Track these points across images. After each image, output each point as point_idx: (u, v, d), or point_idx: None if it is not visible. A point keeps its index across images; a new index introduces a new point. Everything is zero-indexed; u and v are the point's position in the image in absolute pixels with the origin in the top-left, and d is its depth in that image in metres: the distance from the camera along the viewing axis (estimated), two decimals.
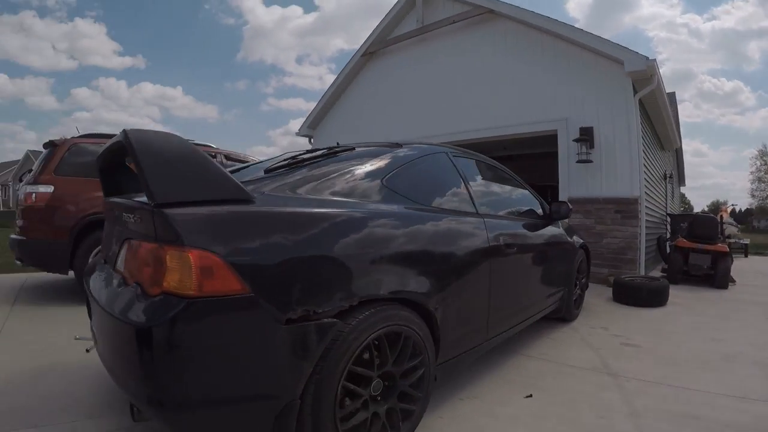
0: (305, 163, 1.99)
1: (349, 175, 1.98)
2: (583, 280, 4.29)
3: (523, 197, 3.46)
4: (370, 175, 2.05)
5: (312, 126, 10.79)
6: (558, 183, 6.75)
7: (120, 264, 1.74)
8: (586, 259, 4.41)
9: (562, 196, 6.61)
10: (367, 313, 1.63)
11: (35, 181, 4.32)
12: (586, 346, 3.29)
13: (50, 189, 4.29)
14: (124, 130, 1.39)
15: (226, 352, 1.31)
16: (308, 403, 1.49)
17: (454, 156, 2.64)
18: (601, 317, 4.24)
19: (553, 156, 6.82)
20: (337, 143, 2.63)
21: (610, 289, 5.24)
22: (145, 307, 1.33)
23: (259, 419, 1.41)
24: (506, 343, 3.07)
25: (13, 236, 4.37)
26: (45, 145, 4.69)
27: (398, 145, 2.39)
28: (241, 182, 1.53)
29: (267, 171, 1.91)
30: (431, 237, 2.04)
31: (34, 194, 4.26)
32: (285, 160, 2.14)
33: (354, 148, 2.28)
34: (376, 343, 1.69)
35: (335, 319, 1.54)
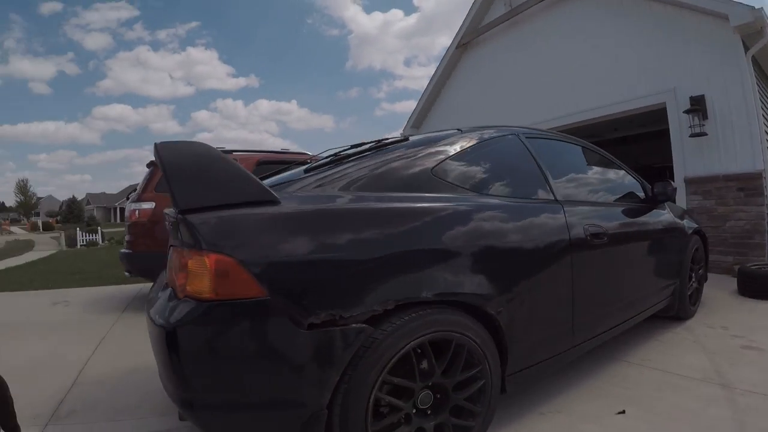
0: (346, 159, 1.87)
1: (391, 168, 1.80)
2: (700, 271, 3.64)
3: (619, 179, 3.00)
4: (415, 166, 1.84)
5: (416, 125, 10.72)
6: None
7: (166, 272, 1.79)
8: (703, 246, 3.74)
9: (677, 176, 5.81)
10: (405, 318, 1.46)
11: (138, 199, 4.74)
12: (699, 350, 2.77)
13: (152, 205, 4.67)
14: (154, 144, 1.41)
15: (247, 356, 1.30)
16: (336, 414, 1.38)
17: (527, 137, 2.33)
18: (722, 314, 3.57)
19: (667, 133, 6.02)
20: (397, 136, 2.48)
21: (735, 279, 4.43)
22: (171, 310, 1.37)
23: (285, 426, 1.36)
24: (604, 346, 2.65)
25: (122, 250, 4.84)
26: (147, 165, 5.13)
27: (458, 131, 2.16)
28: (282, 183, 1.57)
29: (306, 170, 1.84)
30: (487, 229, 1.78)
31: (137, 210, 4.67)
32: (327, 156, 2.05)
33: (407, 138, 2.10)
34: (419, 351, 1.51)
35: (365, 325, 1.39)
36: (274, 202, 1.40)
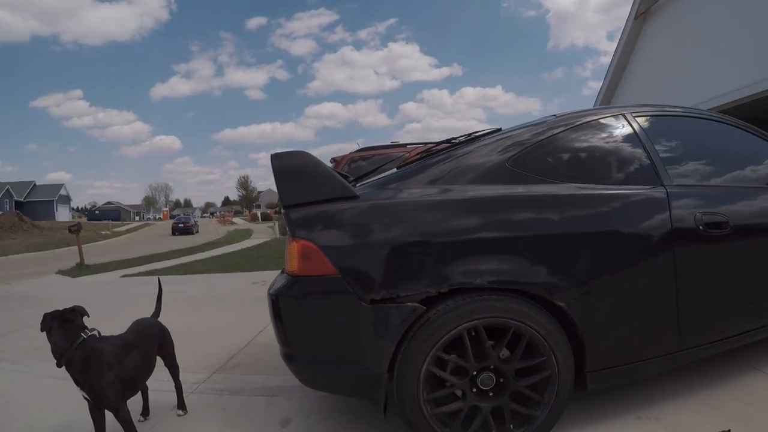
0: (431, 155, 2.02)
1: (467, 161, 1.88)
2: None
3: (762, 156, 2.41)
4: (492, 157, 1.89)
5: (604, 104, 10.16)
6: None
7: None
8: None
9: None
10: (459, 301, 1.60)
11: None
12: None
13: None
14: (271, 155, 1.80)
15: (324, 321, 1.66)
16: (394, 379, 1.61)
17: (637, 116, 2.12)
18: None
19: None
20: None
21: None
22: (276, 284, 1.81)
23: (357, 382, 1.66)
24: (738, 350, 2.23)
25: None
26: (330, 161, 5.57)
27: (552, 117, 2.11)
28: (379, 180, 1.92)
29: (398, 167, 2.08)
30: (553, 219, 1.74)
31: None
32: (420, 153, 2.20)
33: (500, 129, 2.14)
34: (473, 333, 1.63)
35: (418, 305, 1.58)
36: (354, 197, 1.71)
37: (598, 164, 2.01)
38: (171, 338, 2.19)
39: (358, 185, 1.97)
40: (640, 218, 1.83)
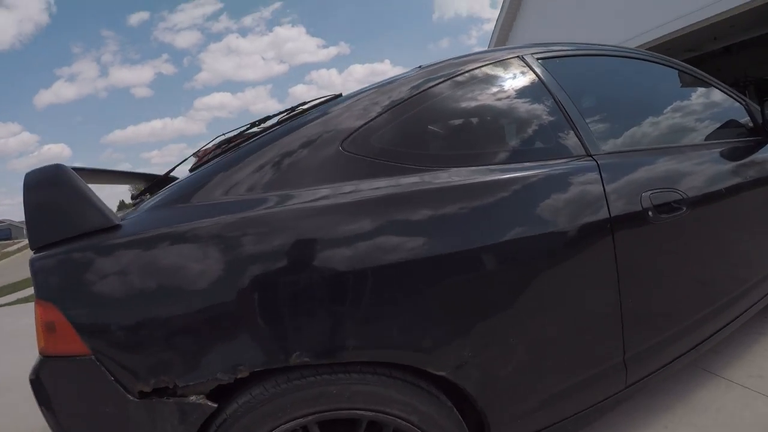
0: (234, 148, 1.27)
1: (281, 150, 1.15)
2: None
3: (710, 104, 1.92)
4: (319, 143, 1.16)
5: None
6: None
7: None
8: None
9: None
10: (269, 390, 0.99)
11: None
12: None
13: None
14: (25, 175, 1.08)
15: (88, 421, 1.03)
16: None
17: (541, 59, 1.47)
18: None
19: None
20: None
21: None
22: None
23: None
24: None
25: None
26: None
27: (418, 68, 1.42)
28: (162, 196, 1.14)
29: (191, 170, 1.41)
30: (424, 229, 1.08)
31: None
32: (216, 146, 1.46)
33: (338, 96, 1.38)
34: None
35: (203, 399, 0.99)
36: (112, 228, 1.02)
37: (487, 135, 1.39)
38: None
39: (139, 205, 1.27)
40: (560, 210, 1.21)
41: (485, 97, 1.37)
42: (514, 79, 1.41)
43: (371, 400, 1.01)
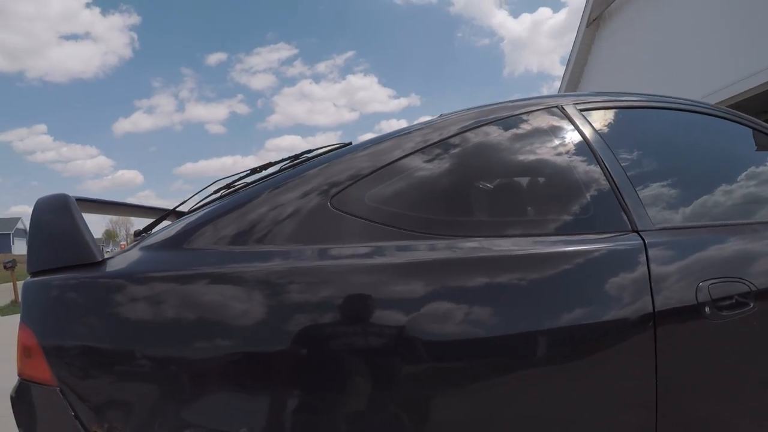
0: (228, 195, 1.21)
1: (271, 202, 1.03)
2: None
3: None
4: (313, 194, 1.03)
5: None
6: None
7: None
8: None
9: None
10: None
11: None
12: None
13: None
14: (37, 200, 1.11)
15: None
16: None
17: (581, 107, 1.27)
18: None
19: None
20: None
21: None
22: None
23: None
24: None
25: None
26: None
27: (439, 117, 1.28)
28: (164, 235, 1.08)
29: (190, 210, 1.37)
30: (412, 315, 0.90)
31: None
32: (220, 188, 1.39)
33: (350, 144, 1.27)
34: None
35: None
36: (96, 264, 1.00)
37: (510, 200, 1.22)
38: None
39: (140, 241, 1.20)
40: (589, 299, 1.00)
41: (508, 154, 1.18)
42: (549, 133, 1.20)
43: None
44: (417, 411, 0.89)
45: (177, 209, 1.47)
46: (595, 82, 8.75)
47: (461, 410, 0.90)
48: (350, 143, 1.23)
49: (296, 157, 1.32)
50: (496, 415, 0.92)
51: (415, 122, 1.25)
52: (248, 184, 1.21)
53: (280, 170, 1.21)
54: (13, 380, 1.10)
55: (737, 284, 1.11)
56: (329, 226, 0.98)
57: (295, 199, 1.01)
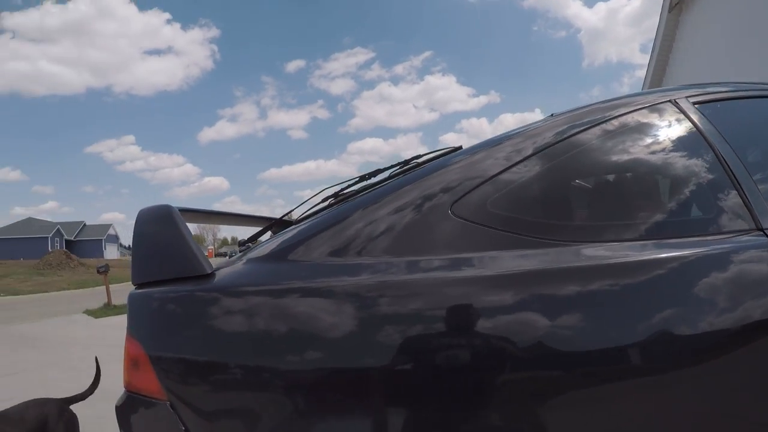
0: (337, 204, 1.20)
1: (385, 210, 0.99)
2: None
3: None
4: (426, 205, 0.98)
5: None
6: None
7: None
8: None
9: None
10: None
11: None
12: None
13: None
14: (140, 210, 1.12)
15: None
16: None
17: (696, 101, 1.19)
18: None
19: None
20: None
21: None
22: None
23: None
24: None
25: None
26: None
27: (550, 117, 1.22)
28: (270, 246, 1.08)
29: (298, 220, 1.35)
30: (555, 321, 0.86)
31: None
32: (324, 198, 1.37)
33: (458, 149, 1.24)
34: None
35: None
36: (206, 276, 0.98)
37: (631, 202, 1.16)
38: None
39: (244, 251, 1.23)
40: (715, 302, 0.93)
41: (623, 153, 1.12)
42: (663, 130, 1.14)
43: None
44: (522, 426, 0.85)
45: (282, 219, 1.47)
46: (684, 69, 8.08)
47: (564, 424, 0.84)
48: (460, 147, 1.21)
49: (406, 162, 1.30)
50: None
51: (524, 123, 1.21)
52: (356, 192, 1.18)
53: (390, 177, 1.19)
54: (109, 380, 1.11)
55: None
56: (452, 234, 0.94)
57: (414, 207, 0.97)
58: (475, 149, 1.08)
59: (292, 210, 1.44)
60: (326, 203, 1.27)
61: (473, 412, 0.83)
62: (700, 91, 1.24)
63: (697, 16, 7.52)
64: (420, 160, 1.22)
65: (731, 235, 1.01)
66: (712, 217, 1.07)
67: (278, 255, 0.99)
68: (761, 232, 1.00)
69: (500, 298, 0.87)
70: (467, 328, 0.86)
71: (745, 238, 1.00)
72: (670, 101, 1.17)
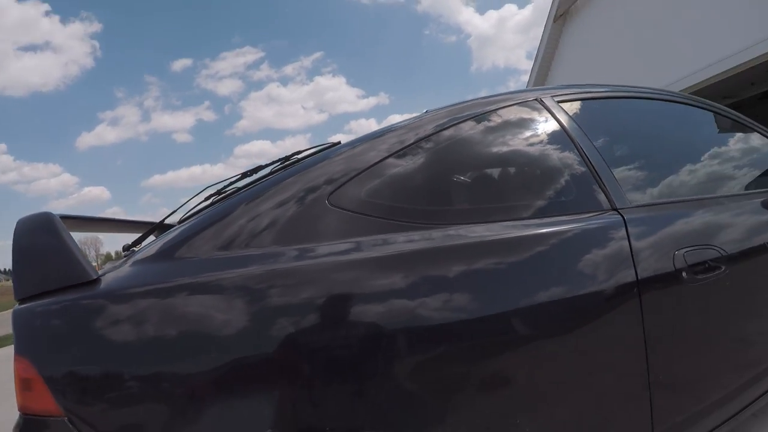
0: (219, 201, 1.19)
1: (267, 204, 1.02)
2: None
3: (749, 152, 1.79)
4: (304, 197, 1.03)
5: None
6: None
7: None
8: None
9: None
10: None
11: None
12: None
13: None
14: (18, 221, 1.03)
15: None
16: None
17: (559, 99, 1.36)
18: None
19: None
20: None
21: None
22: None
23: None
24: None
25: None
26: None
27: (425, 113, 1.30)
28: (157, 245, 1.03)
29: (181, 221, 1.32)
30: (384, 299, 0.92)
31: None
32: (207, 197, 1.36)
33: (339, 142, 1.29)
34: None
35: None
36: (90, 282, 0.94)
37: (493, 187, 1.28)
38: None
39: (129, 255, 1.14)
40: (579, 272, 1.07)
41: (495, 144, 1.25)
42: (530, 124, 1.29)
43: None
44: (413, 403, 0.90)
45: (165, 222, 1.42)
46: (563, 75, 8.92)
47: (459, 395, 0.92)
48: (339, 143, 1.26)
49: (287, 158, 1.33)
50: (495, 395, 0.96)
51: (385, 122, 1.35)
52: (239, 189, 1.19)
53: (271, 173, 1.21)
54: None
55: (709, 251, 1.24)
56: (331, 223, 0.99)
57: (292, 198, 1.01)
58: (354, 143, 1.15)
59: (176, 210, 1.40)
60: (209, 201, 1.26)
61: (373, 394, 0.87)
62: (563, 91, 1.42)
63: (577, 27, 8.34)
64: (300, 156, 1.26)
65: (591, 214, 1.16)
66: (573, 200, 1.20)
67: (164, 254, 0.96)
68: (616, 212, 1.18)
69: (390, 279, 0.92)
70: (357, 312, 0.90)
71: (602, 217, 1.16)
72: (536, 99, 1.33)
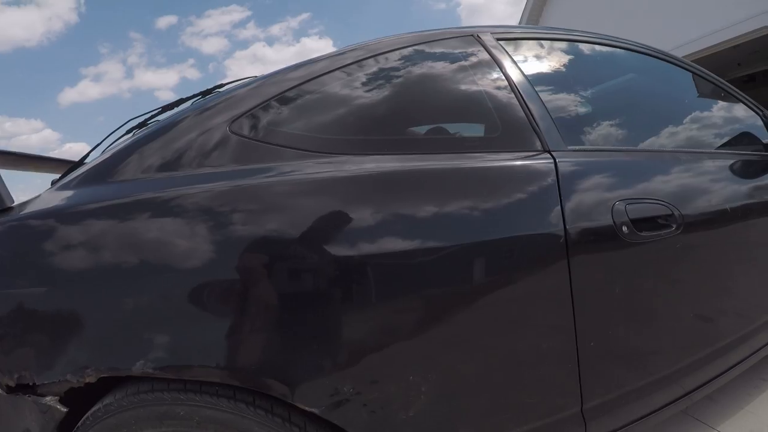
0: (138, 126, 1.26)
1: (175, 136, 1.00)
2: None
3: (723, 113, 1.66)
4: (209, 124, 1.00)
5: None
6: None
7: None
8: None
9: None
10: (120, 400, 0.86)
11: None
12: None
13: None
14: None
15: None
16: None
17: (501, 39, 1.24)
18: None
19: None
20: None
21: None
22: None
23: None
24: None
25: None
26: None
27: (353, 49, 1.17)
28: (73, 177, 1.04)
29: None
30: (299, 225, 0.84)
31: None
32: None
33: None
34: None
35: (55, 402, 0.88)
36: (6, 210, 0.94)
37: (422, 120, 1.20)
38: None
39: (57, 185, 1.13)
40: (497, 216, 0.94)
41: (419, 78, 1.15)
42: (461, 59, 1.18)
43: (224, 429, 0.82)
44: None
45: (92, 152, 1.38)
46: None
47: (355, 339, 0.84)
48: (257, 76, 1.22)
49: (208, 91, 1.30)
50: (397, 347, 0.85)
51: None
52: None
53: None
54: None
55: (657, 206, 1.09)
56: (226, 149, 0.96)
57: (196, 126, 0.99)
58: (273, 73, 1.10)
59: (101, 142, 1.37)
60: (131, 135, 1.21)
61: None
62: (503, 29, 1.29)
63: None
64: (222, 89, 1.21)
65: (523, 154, 1.03)
66: (500, 137, 1.09)
67: (91, 177, 0.96)
68: (548, 154, 1.04)
69: (262, 205, 0.86)
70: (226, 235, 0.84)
71: (530, 158, 1.03)
72: (473, 35, 1.23)
